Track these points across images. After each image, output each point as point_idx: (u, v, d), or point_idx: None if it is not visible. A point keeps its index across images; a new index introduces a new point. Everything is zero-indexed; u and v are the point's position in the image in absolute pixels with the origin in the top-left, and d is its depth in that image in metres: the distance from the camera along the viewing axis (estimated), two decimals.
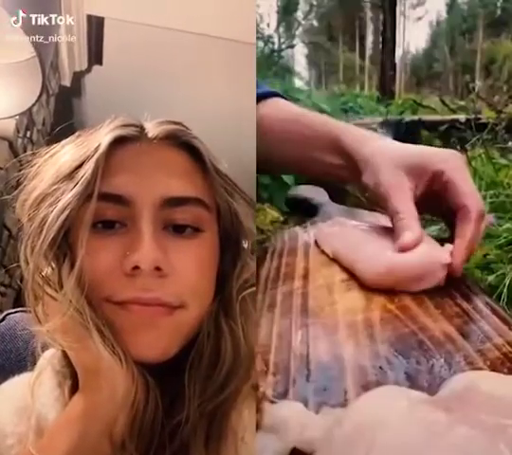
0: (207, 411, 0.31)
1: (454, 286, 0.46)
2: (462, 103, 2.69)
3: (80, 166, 0.33)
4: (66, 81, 1.41)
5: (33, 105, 0.80)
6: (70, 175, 0.32)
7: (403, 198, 0.48)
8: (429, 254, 0.45)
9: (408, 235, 0.46)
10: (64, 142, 0.36)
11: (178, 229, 0.33)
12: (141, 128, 0.36)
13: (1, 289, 1.24)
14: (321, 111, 2.41)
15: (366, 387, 0.33)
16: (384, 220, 0.78)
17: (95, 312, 0.31)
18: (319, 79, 5.17)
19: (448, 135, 2.15)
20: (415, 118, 2.67)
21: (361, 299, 0.45)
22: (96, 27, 1.34)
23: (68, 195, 0.31)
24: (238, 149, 0.53)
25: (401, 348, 0.37)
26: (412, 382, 0.33)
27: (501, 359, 0.35)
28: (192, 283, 0.33)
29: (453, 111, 2.56)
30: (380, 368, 0.35)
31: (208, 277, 0.34)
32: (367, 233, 0.54)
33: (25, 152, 1.14)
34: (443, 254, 0.45)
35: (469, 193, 0.46)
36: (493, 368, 0.34)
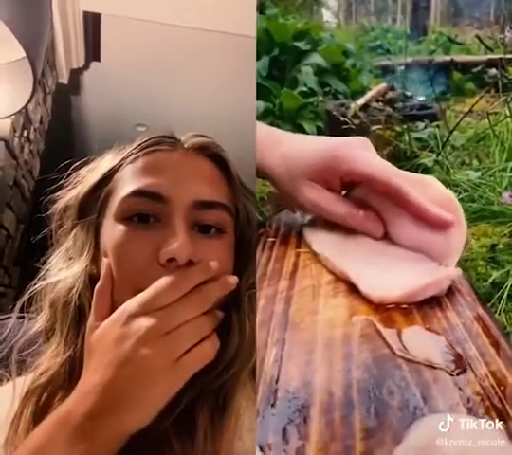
0: (213, 388, 0.35)
1: (447, 293, 0.43)
2: (501, 36, 2.44)
3: (118, 168, 0.38)
4: (64, 79, 1.40)
5: (26, 105, 0.79)
6: (109, 179, 0.38)
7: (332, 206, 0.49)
8: (437, 270, 0.43)
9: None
10: (103, 156, 0.42)
11: (204, 230, 0.36)
12: (175, 139, 0.41)
13: (0, 289, 1.25)
14: (345, 51, 2.24)
15: (330, 424, 0.31)
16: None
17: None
18: (348, 9, 4.82)
19: (481, 77, 2.02)
20: (447, 58, 2.49)
21: (344, 307, 0.43)
22: (92, 23, 1.31)
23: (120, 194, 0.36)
24: (238, 144, 0.53)
25: (376, 374, 0.35)
26: (380, 421, 0.31)
27: (480, 395, 0.32)
28: None
29: (490, 49, 2.41)
30: (350, 402, 0.33)
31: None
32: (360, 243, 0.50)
33: (22, 151, 1.12)
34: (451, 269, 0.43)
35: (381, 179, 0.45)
36: (470, 406, 0.31)
